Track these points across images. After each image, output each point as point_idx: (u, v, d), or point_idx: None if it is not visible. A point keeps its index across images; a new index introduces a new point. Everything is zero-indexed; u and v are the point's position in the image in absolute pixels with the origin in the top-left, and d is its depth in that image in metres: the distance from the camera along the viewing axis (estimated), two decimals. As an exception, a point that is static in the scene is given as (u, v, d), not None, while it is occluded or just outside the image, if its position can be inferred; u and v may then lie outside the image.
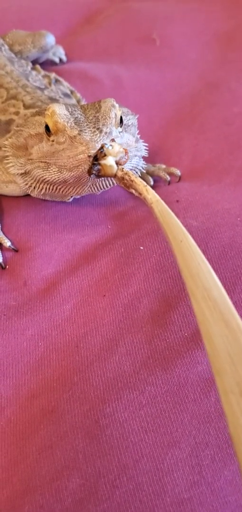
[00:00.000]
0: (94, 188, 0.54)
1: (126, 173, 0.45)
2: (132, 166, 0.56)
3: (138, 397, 0.44)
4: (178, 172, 0.66)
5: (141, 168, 0.59)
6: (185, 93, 0.83)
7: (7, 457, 0.42)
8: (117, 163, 0.47)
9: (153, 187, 0.65)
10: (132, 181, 0.44)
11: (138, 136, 0.59)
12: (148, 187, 0.42)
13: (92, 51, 0.94)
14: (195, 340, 0.48)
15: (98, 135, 0.48)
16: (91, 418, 0.43)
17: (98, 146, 0.48)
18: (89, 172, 0.48)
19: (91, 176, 0.48)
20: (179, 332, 0.49)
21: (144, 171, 0.64)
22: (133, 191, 0.44)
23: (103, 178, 0.52)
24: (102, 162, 0.46)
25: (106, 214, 0.61)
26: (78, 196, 0.57)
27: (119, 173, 0.46)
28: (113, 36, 0.96)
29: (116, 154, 0.47)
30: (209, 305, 0.30)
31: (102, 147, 0.47)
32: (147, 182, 0.65)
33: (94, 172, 0.47)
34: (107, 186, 0.55)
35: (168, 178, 0.65)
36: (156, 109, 0.80)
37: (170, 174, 0.66)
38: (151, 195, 0.41)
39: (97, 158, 0.47)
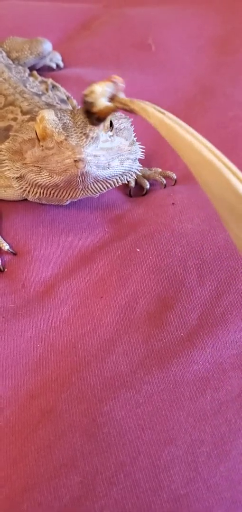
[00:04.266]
0: (88, 191, 0.55)
1: (124, 103, 0.41)
2: (125, 169, 0.56)
3: (134, 395, 0.45)
4: (174, 175, 0.67)
5: (136, 171, 0.60)
6: (180, 97, 0.84)
7: (6, 456, 0.43)
8: (112, 98, 0.42)
9: (149, 190, 0.66)
10: (132, 109, 0.40)
11: (135, 139, 0.60)
12: (149, 110, 0.39)
13: (88, 56, 0.95)
14: (191, 340, 0.49)
15: (84, 140, 0.49)
16: (88, 417, 0.44)
17: (84, 151, 0.49)
18: (91, 122, 0.44)
19: (99, 123, 0.44)
20: (175, 332, 0.50)
21: (140, 174, 0.65)
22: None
23: (96, 183, 0.54)
24: (96, 110, 0.42)
25: (103, 217, 0.62)
26: (75, 200, 0.58)
27: (119, 105, 0.42)
28: (109, 42, 0.98)
29: (103, 93, 0.42)
30: None
31: (84, 101, 0.42)
32: (143, 186, 0.66)
33: (95, 123, 0.43)
34: (102, 190, 0.56)
35: (164, 181, 0.66)
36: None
37: (166, 177, 0.67)
38: (155, 119, 0.38)
39: (90, 112, 0.42)
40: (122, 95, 0.42)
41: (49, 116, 0.52)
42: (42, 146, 0.53)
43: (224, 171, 0.32)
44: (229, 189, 0.31)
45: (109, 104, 0.42)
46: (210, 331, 0.49)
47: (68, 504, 0.39)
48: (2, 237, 0.60)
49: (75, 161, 0.49)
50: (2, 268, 0.57)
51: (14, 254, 0.58)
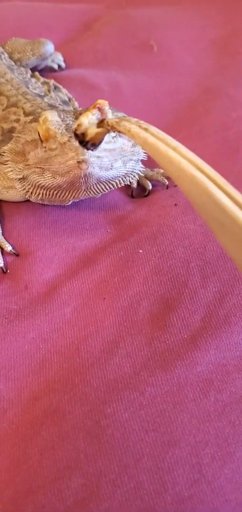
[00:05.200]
0: (90, 192, 0.55)
1: (112, 126, 0.42)
2: (127, 170, 0.56)
3: (138, 397, 0.45)
4: (176, 176, 0.66)
5: (138, 172, 0.60)
6: (183, 98, 0.84)
7: (10, 458, 0.42)
8: (101, 123, 0.42)
9: (151, 191, 0.66)
10: (119, 131, 0.40)
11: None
12: (133, 130, 0.39)
13: (91, 57, 0.95)
14: (195, 342, 0.49)
15: None
16: (92, 419, 0.43)
17: (87, 152, 0.48)
18: (87, 148, 0.44)
19: (91, 150, 0.44)
20: (179, 334, 0.50)
21: (143, 175, 0.64)
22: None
23: (99, 184, 0.54)
24: (88, 138, 0.42)
25: (106, 218, 0.62)
26: (77, 200, 0.58)
27: (108, 127, 0.42)
28: (111, 43, 0.98)
29: (91, 121, 0.42)
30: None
31: (75, 132, 0.43)
32: (146, 187, 0.66)
33: (91, 148, 0.44)
34: (104, 190, 0.56)
35: (166, 182, 0.66)
36: (154, 114, 0.81)
37: (168, 178, 0.66)
38: (139, 139, 0.38)
39: (83, 142, 0.43)
40: (109, 116, 0.43)
41: (52, 117, 0.52)
42: (45, 147, 0.53)
43: (205, 182, 0.33)
44: (211, 200, 0.32)
45: (99, 129, 0.43)
46: (214, 333, 0.49)
47: (72, 506, 0.39)
48: (4, 238, 0.60)
49: (78, 162, 0.49)
50: (4, 269, 0.57)
51: (17, 255, 0.58)
